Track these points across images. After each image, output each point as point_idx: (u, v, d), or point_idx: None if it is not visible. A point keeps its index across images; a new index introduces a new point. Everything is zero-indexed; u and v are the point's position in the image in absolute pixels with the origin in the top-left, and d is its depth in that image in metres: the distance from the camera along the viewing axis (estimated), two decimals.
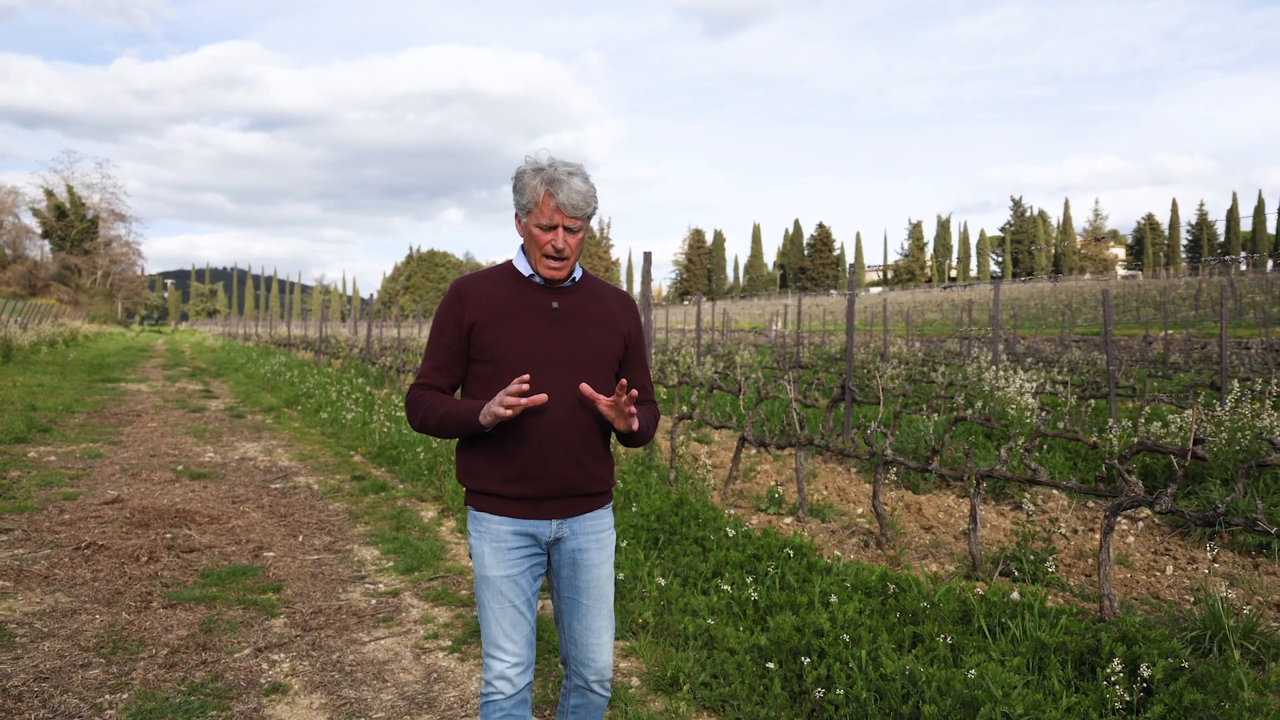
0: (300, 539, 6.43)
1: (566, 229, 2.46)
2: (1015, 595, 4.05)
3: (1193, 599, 4.74)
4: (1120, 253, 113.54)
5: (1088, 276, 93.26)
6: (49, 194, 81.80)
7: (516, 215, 2.54)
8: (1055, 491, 7.62)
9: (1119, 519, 6.78)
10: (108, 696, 3.77)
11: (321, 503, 7.66)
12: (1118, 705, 3.01)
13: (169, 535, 6.32)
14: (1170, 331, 35.92)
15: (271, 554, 6.01)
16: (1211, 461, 6.98)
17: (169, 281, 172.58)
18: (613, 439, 2.91)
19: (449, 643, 4.46)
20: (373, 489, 8.11)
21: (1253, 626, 3.94)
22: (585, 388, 2.43)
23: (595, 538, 2.64)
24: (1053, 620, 3.76)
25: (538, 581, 2.66)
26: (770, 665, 3.68)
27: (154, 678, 3.96)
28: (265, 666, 4.15)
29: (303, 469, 9.27)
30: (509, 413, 2.34)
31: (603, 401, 2.45)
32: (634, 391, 2.42)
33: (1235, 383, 8.10)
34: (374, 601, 5.09)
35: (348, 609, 4.95)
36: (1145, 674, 3.02)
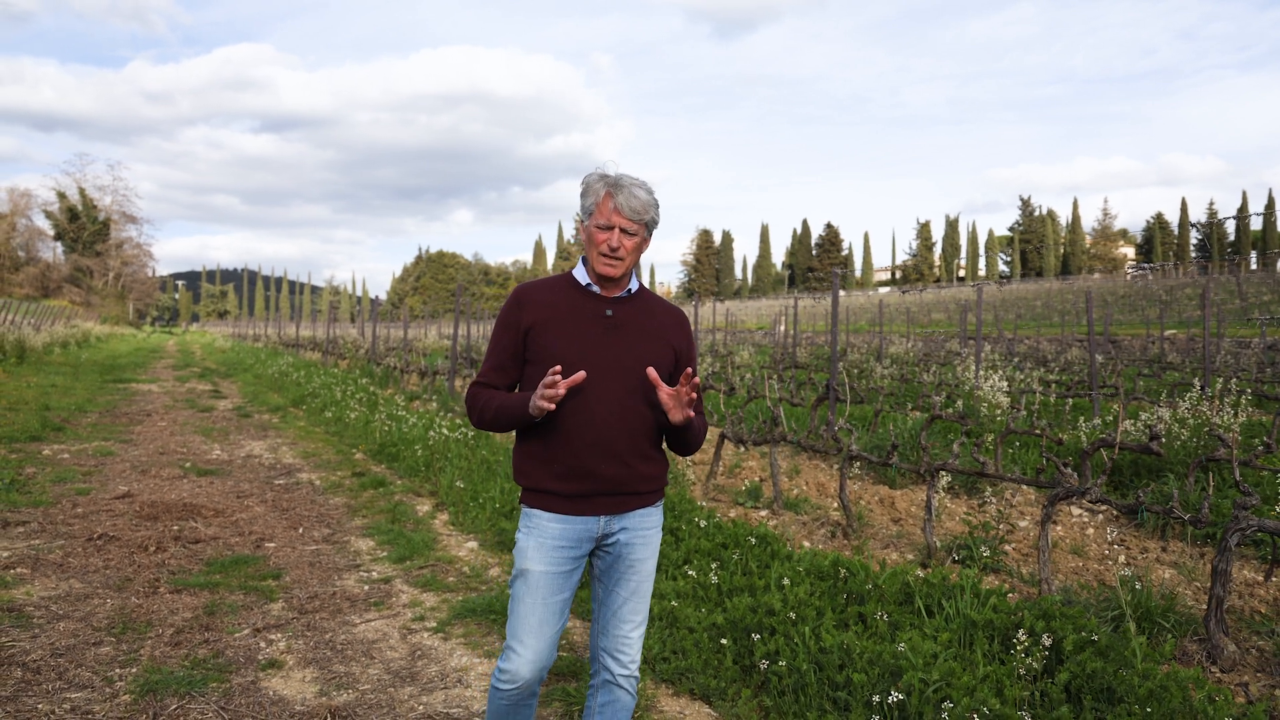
0: (300, 531, 6.78)
1: (623, 230, 2.57)
2: (955, 578, 4.36)
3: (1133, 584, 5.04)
4: (1130, 252, 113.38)
5: (1097, 276, 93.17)
6: (61, 196, 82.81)
7: (581, 221, 2.66)
8: (1024, 486, 7.91)
9: (1080, 512, 7.07)
10: (118, 670, 4.12)
11: (322, 497, 8.01)
12: (1022, 672, 3.33)
13: (176, 527, 6.68)
14: (1174, 331, 36.09)
15: (273, 545, 6.36)
16: (1170, 456, 7.30)
17: (180, 283, 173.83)
18: None
19: (434, 624, 4.80)
20: (372, 484, 8.46)
21: (1170, 605, 4.26)
22: (651, 372, 2.52)
23: (642, 534, 2.70)
24: (984, 600, 4.07)
25: (575, 582, 2.69)
26: (724, 641, 4.01)
27: (160, 654, 4.31)
28: (263, 645, 4.49)
29: (306, 466, 9.63)
30: (550, 406, 2.46)
31: (665, 389, 2.53)
32: (696, 379, 2.52)
33: (1197, 381, 8.38)
34: (367, 588, 5.43)
35: (342, 594, 5.29)
36: (1046, 644, 3.33)
